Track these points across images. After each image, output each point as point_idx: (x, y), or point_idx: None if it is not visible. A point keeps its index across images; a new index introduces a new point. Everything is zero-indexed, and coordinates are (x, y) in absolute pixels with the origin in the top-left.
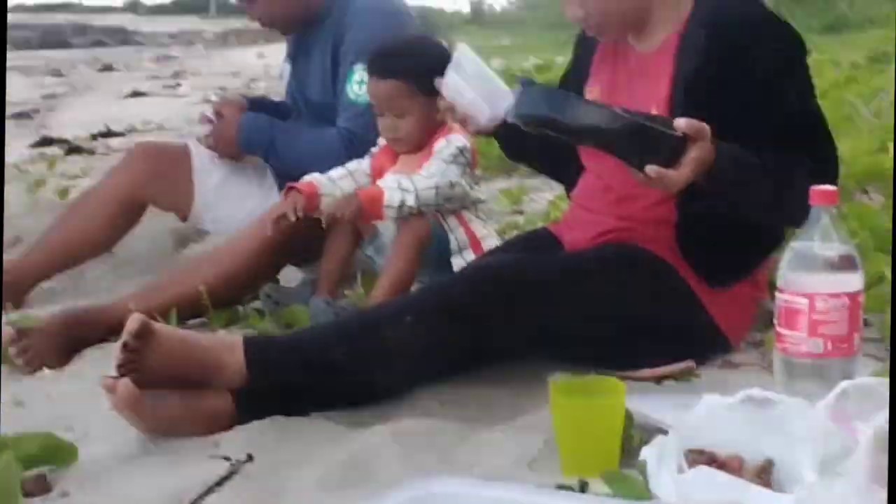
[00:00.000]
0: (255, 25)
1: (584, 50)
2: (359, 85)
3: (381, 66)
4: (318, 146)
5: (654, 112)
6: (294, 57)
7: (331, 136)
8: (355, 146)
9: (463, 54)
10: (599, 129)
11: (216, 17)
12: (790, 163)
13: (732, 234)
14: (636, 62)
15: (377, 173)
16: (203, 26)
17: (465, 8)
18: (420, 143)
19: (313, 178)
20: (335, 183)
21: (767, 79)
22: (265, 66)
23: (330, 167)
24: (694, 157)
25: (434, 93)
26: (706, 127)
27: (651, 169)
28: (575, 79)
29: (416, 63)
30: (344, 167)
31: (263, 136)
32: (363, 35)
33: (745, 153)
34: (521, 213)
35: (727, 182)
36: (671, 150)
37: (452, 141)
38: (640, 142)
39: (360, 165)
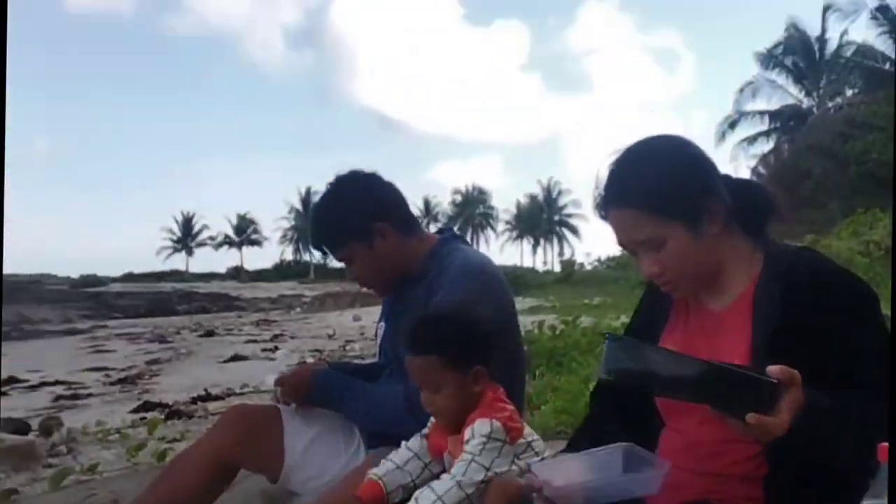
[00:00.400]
0: (353, 288)
1: (655, 306)
2: None
3: (412, 340)
4: (383, 405)
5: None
6: (388, 317)
7: (396, 396)
8: (420, 406)
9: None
10: (694, 379)
11: (315, 282)
12: (874, 410)
13: (822, 485)
14: (711, 320)
15: (435, 452)
16: (302, 290)
17: (557, 267)
18: (459, 419)
19: (378, 473)
20: (402, 469)
21: (843, 329)
22: (360, 327)
23: (396, 425)
24: (789, 402)
25: (469, 367)
26: (797, 373)
27: (752, 416)
28: (645, 334)
29: (448, 338)
30: (408, 448)
31: (333, 389)
32: (451, 297)
33: (831, 398)
34: None
35: (816, 426)
36: (768, 396)
37: (477, 430)
38: (736, 390)
39: (423, 443)
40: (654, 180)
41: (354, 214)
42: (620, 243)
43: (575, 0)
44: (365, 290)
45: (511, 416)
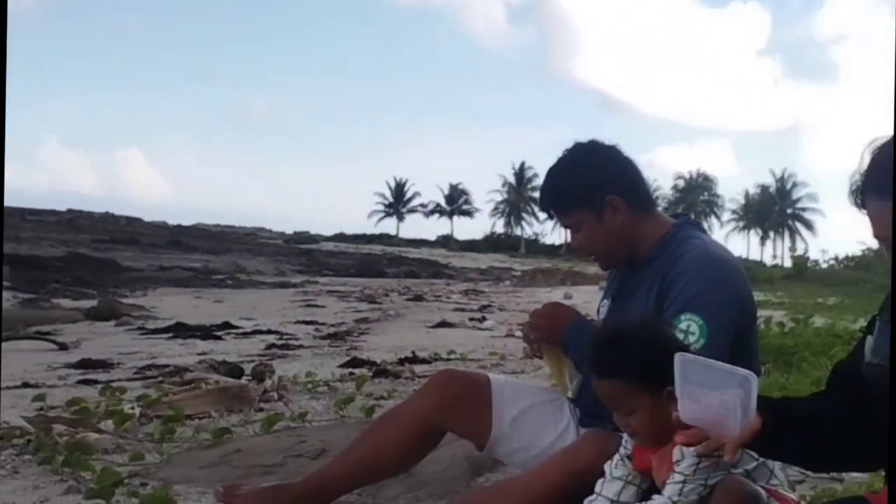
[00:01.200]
0: (563, 265)
1: None
2: (683, 334)
3: (598, 364)
4: None
5: None
6: (615, 295)
7: None
8: None
9: (684, 366)
10: None
11: (525, 256)
12: None
13: None
14: None
15: (641, 468)
16: (512, 264)
17: (787, 262)
18: (660, 438)
19: None
20: (619, 502)
21: None
22: (571, 305)
23: None
24: None
25: (662, 386)
26: None
27: None
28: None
29: (635, 358)
30: (616, 478)
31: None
32: (695, 287)
33: None
34: (840, 480)
35: None
36: None
37: (687, 449)
38: None
39: (628, 465)
40: None
41: (589, 182)
42: (877, 235)
43: None
44: (579, 262)
45: None
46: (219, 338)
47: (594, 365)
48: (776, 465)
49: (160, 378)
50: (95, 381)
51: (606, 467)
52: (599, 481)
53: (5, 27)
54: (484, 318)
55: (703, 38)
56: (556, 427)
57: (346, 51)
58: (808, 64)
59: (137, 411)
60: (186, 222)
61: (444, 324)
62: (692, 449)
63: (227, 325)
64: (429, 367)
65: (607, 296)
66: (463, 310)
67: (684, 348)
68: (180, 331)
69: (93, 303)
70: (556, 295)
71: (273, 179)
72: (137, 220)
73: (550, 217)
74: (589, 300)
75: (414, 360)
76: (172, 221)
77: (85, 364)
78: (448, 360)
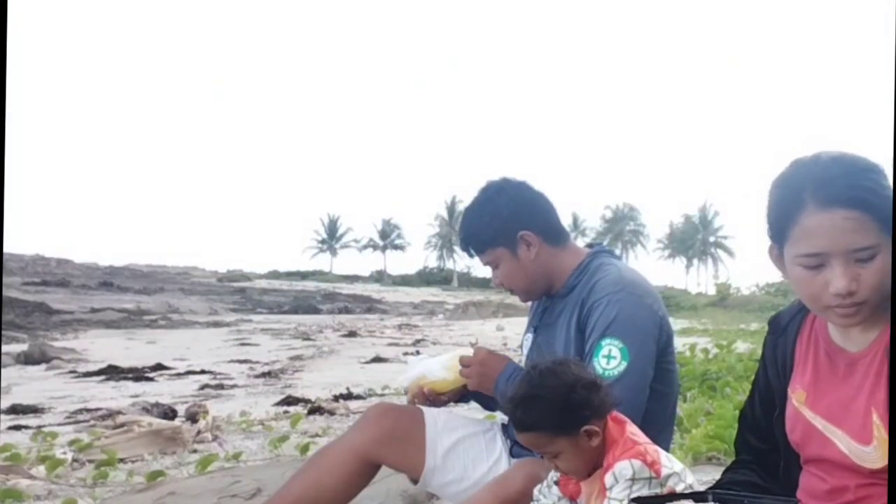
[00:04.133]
0: (496, 297)
1: (777, 354)
2: (606, 359)
3: (513, 421)
4: None
5: (874, 415)
6: (536, 328)
7: None
8: None
9: None
10: None
11: (458, 289)
12: None
13: None
14: (845, 364)
15: (568, 495)
16: (445, 297)
17: (711, 290)
18: (589, 468)
19: None
20: None
21: None
22: (503, 338)
23: None
24: None
25: (577, 429)
26: None
27: None
28: (776, 382)
29: (546, 412)
30: (549, 497)
31: None
32: (612, 311)
33: None
34: None
35: None
36: None
37: (619, 474)
38: None
39: (556, 490)
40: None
41: (501, 220)
42: (820, 252)
43: None
44: (510, 295)
45: (646, 449)
46: (151, 379)
47: (511, 422)
48: None
49: (92, 422)
50: (26, 427)
51: (535, 491)
52: None
53: (5, 27)
54: (418, 353)
55: None
56: (489, 458)
57: (275, 88)
58: None
59: (70, 456)
60: (118, 263)
61: (378, 359)
62: (625, 473)
63: (159, 367)
64: (363, 403)
65: (529, 329)
66: (397, 344)
67: (592, 383)
68: (112, 373)
69: (23, 347)
70: (488, 327)
71: (205, 217)
72: (68, 262)
73: (471, 256)
74: (521, 331)
75: (349, 396)
76: (103, 262)
77: (15, 409)
78: (382, 395)
